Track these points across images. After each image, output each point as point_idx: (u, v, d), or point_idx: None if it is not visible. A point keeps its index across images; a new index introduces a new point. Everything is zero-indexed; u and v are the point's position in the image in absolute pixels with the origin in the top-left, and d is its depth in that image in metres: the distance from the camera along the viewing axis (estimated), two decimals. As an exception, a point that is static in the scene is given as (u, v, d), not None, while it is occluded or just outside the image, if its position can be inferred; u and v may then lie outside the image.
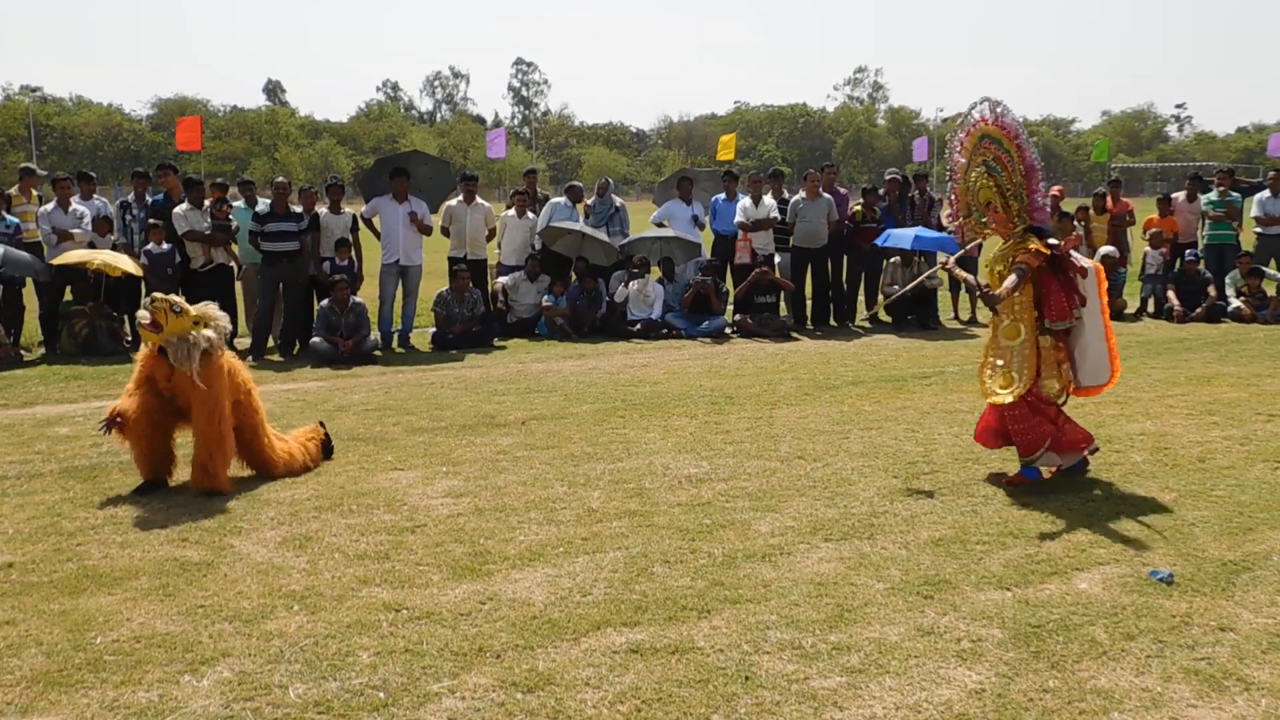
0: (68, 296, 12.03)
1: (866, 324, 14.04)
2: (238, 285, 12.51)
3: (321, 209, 12.38)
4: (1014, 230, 6.42)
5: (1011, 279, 6.27)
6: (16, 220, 11.97)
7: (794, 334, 13.30)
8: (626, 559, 5.17)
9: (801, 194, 14.00)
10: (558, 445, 7.46)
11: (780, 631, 4.32)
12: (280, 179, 12.34)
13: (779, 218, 13.80)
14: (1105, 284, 6.51)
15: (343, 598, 4.71)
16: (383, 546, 5.39)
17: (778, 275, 13.63)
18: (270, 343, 12.05)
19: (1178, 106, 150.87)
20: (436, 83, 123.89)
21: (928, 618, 4.46)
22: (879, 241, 13.49)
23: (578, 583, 4.86)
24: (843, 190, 14.65)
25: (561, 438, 7.69)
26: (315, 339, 11.39)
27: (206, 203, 12.08)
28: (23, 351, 11.64)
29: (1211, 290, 14.26)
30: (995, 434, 6.63)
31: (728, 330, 13.31)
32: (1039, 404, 6.35)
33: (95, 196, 13.00)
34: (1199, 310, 14.02)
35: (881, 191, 14.58)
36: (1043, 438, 6.34)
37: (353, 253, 12.20)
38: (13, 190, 12.49)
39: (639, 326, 13.12)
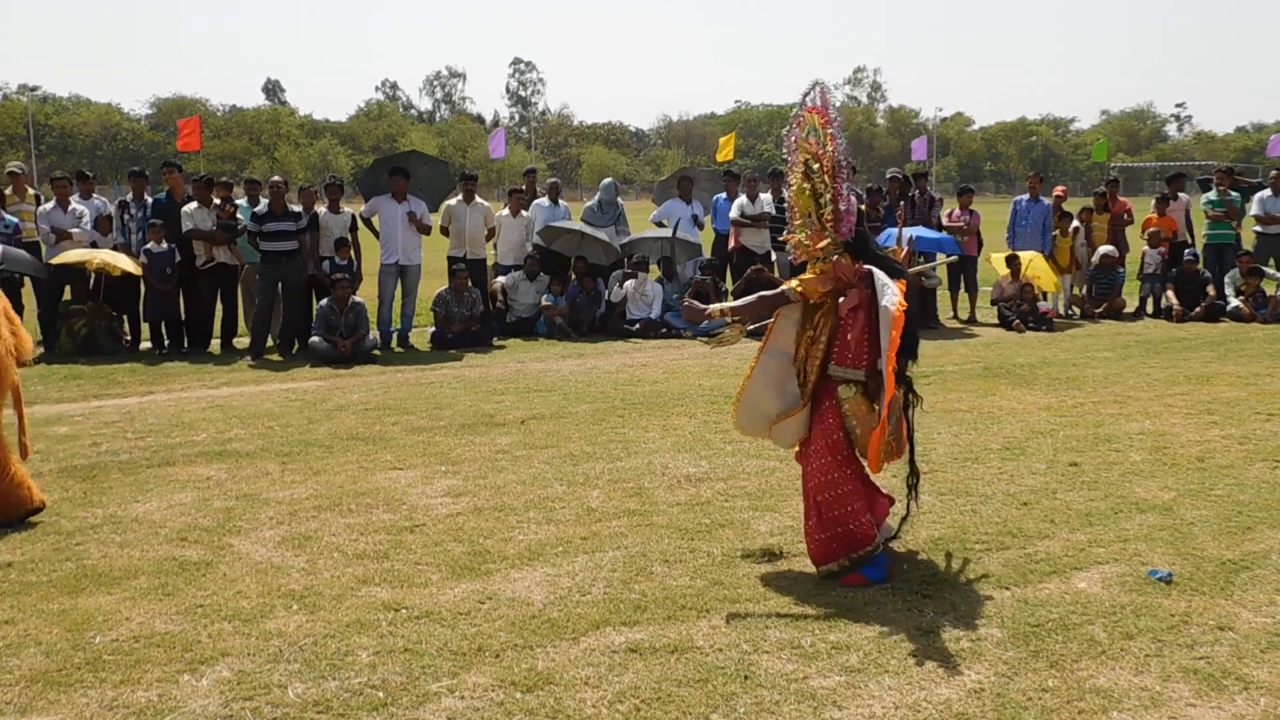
0: (67, 296, 12.02)
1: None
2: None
3: (320, 208, 12.38)
4: (825, 248, 4.97)
5: (743, 301, 5.12)
6: (15, 220, 11.94)
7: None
8: (626, 558, 5.17)
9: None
10: (557, 445, 7.46)
11: (779, 630, 4.32)
12: (276, 178, 12.33)
13: (772, 212, 13.81)
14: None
15: (342, 597, 4.71)
16: (382, 546, 5.38)
17: (776, 274, 13.64)
18: (270, 342, 12.04)
19: (1177, 106, 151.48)
20: (436, 82, 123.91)
21: (927, 617, 4.46)
22: (879, 240, 13.49)
23: (577, 582, 4.86)
24: (858, 191, 14.57)
25: (560, 437, 7.68)
26: (314, 338, 11.39)
27: (216, 201, 12.08)
28: (21, 351, 11.61)
29: (1210, 289, 14.27)
30: None
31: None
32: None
33: (95, 196, 13.00)
34: (1198, 309, 14.01)
35: (884, 190, 14.60)
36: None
37: (352, 252, 12.20)
38: (7, 190, 12.46)
39: (638, 326, 13.12)
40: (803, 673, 3.96)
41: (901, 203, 14.24)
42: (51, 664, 4.07)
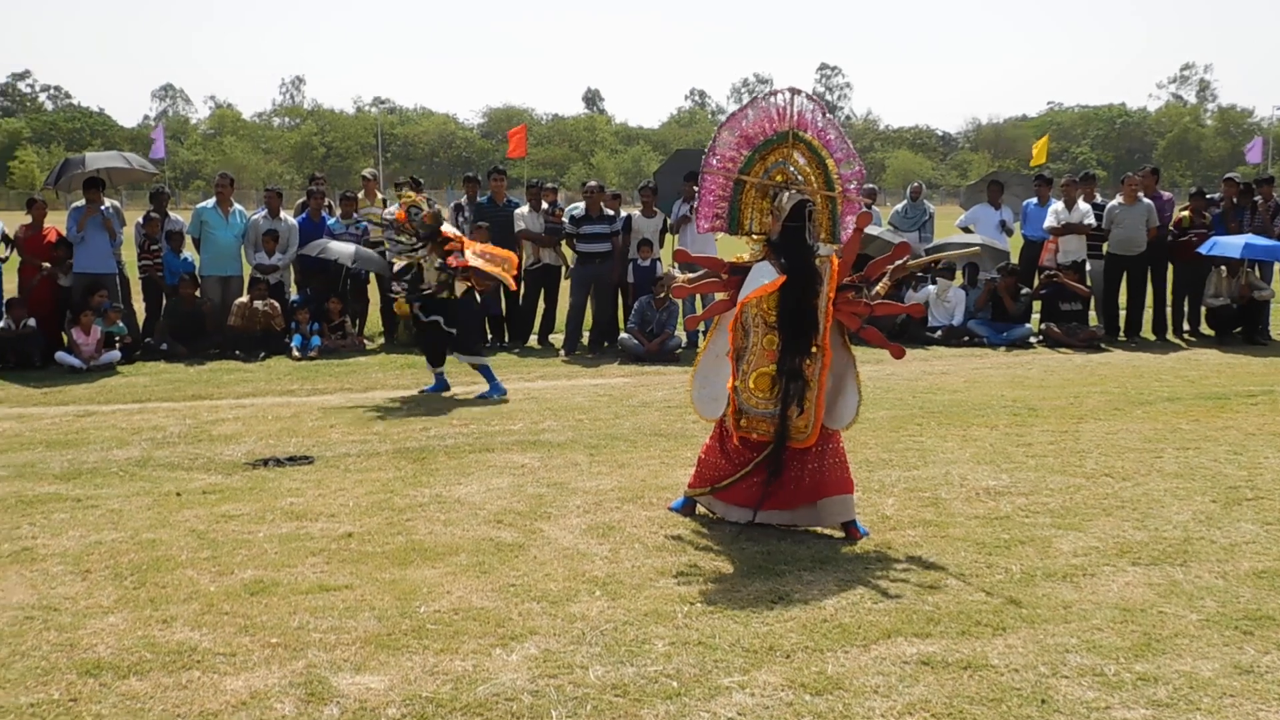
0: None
1: (1191, 338, 13.21)
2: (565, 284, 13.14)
3: (634, 211, 12.90)
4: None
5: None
6: (366, 223, 13.07)
7: (1104, 345, 12.62)
8: (919, 569, 5.13)
9: (1118, 199, 13.27)
10: (852, 450, 7.34)
11: (1080, 656, 4.17)
12: (592, 183, 12.96)
13: (1094, 223, 13.14)
14: None
15: (641, 587, 4.92)
16: (680, 540, 5.57)
17: (1077, 281, 12.95)
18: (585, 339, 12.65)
19: None
20: (743, 89, 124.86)
21: (1247, 655, 4.18)
22: (1203, 249, 12.61)
23: (868, 589, 4.87)
24: (1165, 194, 13.72)
25: (856, 443, 7.62)
26: (624, 335, 11.89)
27: (544, 205, 12.84)
28: (365, 341, 12.75)
29: None
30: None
31: (1032, 340, 12.79)
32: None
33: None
34: None
35: (1217, 196, 13.62)
36: None
37: (656, 254, 12.60)
38: (359, 194, 13.65)
39: (939, 333, 12.83)
40: (1105, 702, 3.81)
41: (1230, 208, 13.27)
42: (383, 628, 4.47)
